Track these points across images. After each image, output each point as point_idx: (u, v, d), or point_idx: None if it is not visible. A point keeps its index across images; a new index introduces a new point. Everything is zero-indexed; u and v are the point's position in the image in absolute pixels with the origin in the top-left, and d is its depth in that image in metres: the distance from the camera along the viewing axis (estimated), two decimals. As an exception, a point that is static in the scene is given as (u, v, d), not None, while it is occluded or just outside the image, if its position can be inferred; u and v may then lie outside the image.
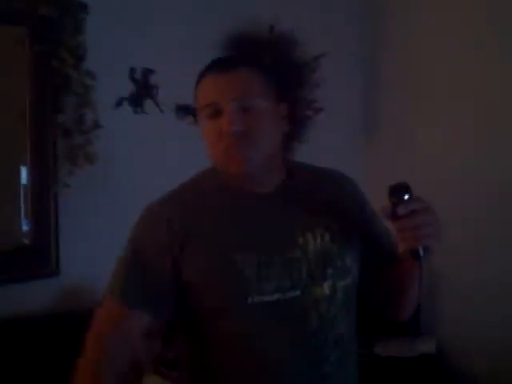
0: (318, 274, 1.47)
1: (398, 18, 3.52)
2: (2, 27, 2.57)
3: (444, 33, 3.22)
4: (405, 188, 1.37)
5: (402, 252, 1.41)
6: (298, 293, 1.45)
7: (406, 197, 1.36)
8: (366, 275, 1.57)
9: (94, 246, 2.77)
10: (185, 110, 3.03)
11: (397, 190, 1.37)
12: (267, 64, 1.55)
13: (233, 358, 1.45)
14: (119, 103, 2.85)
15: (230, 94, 1.45)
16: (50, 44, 2.58)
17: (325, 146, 3.24)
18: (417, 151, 3.35)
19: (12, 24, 2.59)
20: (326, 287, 1.47)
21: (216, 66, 1.51)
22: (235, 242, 1.44)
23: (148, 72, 2.94)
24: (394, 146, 3.53)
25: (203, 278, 1.43)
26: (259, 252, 1.44)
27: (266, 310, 1.42)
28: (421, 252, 1.37)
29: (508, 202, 2.90)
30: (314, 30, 3.32)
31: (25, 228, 2.68)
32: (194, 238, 1.44)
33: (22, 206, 2.66)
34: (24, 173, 2.65)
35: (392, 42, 3.55)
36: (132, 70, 2.91)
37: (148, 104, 2.94)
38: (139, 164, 2.93)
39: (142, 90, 2.93)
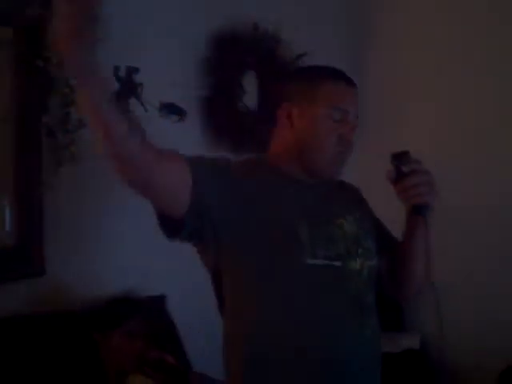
0: (353, 251, 1.66)
1: (385, 17, 3.54)
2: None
3: (432, 31, 3.25)
4: (405, 153, 1.63)
5: (406, 212, 1.68)
6: (339, 263, 1.62)
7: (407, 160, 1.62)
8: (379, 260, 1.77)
9: (79, 245, 2.76)
10: (169, 108, 3.03)
11: (399, 155, 1.63)
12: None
13: (285, 314, 1.56)
14: (103, 102, 2.84)
15: (356, 109, 1.71)
16: (35, 44, 2.56)
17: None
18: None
19: (-2, 25, 2.58)
20: (358, 263, 1.65)
21: (344, 76, 1.72)
22: (290, 211, 1.62)
23: (132, 70, 2.92)
24: (381, 146, 3.54)
25: (262, 237, 1.57)
26: (310, 223, 1.61)
27: (318, 272, 1.58)
28: (424, 209, 1.64)
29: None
30: (299, 28, 3.33)
31: (9, 228, 2.66)
32: (258, 200, 1.60)
33: (6, 205, 2.65)
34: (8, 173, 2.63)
35: (378, 42, 3.57)
36: (116, 69, 2.89)
37: (133, 103, 2.93)
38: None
39: (126, 89, 2.91)
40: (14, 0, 2.55)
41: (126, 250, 2.88)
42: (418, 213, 1.67)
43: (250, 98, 3.34)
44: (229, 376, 1.64)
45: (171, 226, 1.52)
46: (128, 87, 2.92)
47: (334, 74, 1.72)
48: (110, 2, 2.81)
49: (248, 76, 3.33)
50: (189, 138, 3.09)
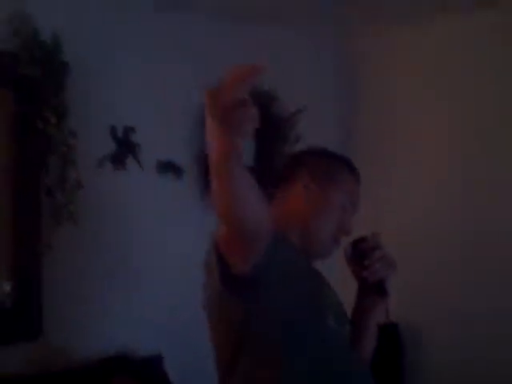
0: (343, 318, 1.74)
1: (373, 77, 3.59)
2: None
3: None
4: (363, 238, 1.71)
5: (365, 289, 1.74)
6: (341, 328, 1.70)
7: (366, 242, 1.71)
8: None
9: (76, 306, 2.74)
10: (166, 167, 3.06)
11: (357, 239, 1.72)
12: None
13: (319, 376, 1.59)
14: (101, 163, 2.86)
15: (359, 202, 1.80)
16: (34, 104, 2.58)
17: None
18: (391, 208, 3.40)
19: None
20: (346, 329, 1.74)
21: (357, 171, 1.82)
22: (312, 276, 1.72)
23: (129, 130, 2.95)
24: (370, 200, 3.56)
25: (294, 301, 1.59)
26: (324, 290, 1.73)
27: (338, 334, 1.68)
28: (385, 285, 1.68)
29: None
30: (291, 86, 3.38)
31: (6, 288, 2.64)
32: (293, 266, 1.65)
33: (4, 265, 2.63)
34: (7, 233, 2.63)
35: (367, 101, 3.62)
36: (113, 128, 2.92)
37: (130, 161, 2.96)
38: (122, 222, 2.92)
39: (124, 148, 2.94)
40: (12, 61, 2.57)
41: (125, 309, 2.86)
42: (379, 288, 1.70)
43: (247, 154, 3.36)
44: None
45: (235, 282, 1.51)
46: (126, 147, 2.95)
47: (351, 167, 1.81)
48: (106, 65, 2.89)
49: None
50: (186, 195, 3.11)
